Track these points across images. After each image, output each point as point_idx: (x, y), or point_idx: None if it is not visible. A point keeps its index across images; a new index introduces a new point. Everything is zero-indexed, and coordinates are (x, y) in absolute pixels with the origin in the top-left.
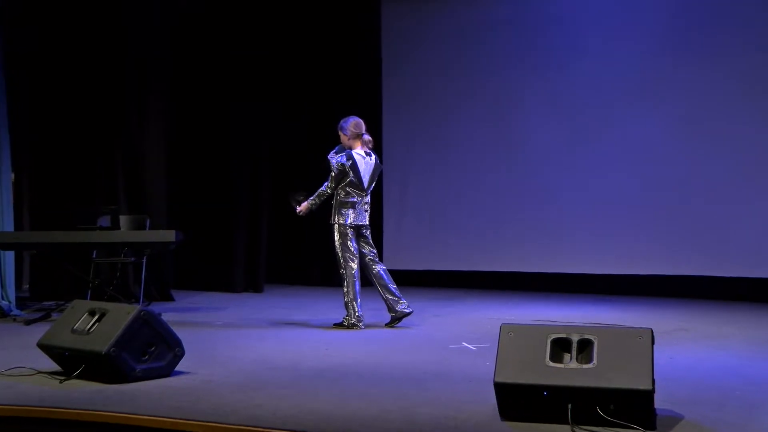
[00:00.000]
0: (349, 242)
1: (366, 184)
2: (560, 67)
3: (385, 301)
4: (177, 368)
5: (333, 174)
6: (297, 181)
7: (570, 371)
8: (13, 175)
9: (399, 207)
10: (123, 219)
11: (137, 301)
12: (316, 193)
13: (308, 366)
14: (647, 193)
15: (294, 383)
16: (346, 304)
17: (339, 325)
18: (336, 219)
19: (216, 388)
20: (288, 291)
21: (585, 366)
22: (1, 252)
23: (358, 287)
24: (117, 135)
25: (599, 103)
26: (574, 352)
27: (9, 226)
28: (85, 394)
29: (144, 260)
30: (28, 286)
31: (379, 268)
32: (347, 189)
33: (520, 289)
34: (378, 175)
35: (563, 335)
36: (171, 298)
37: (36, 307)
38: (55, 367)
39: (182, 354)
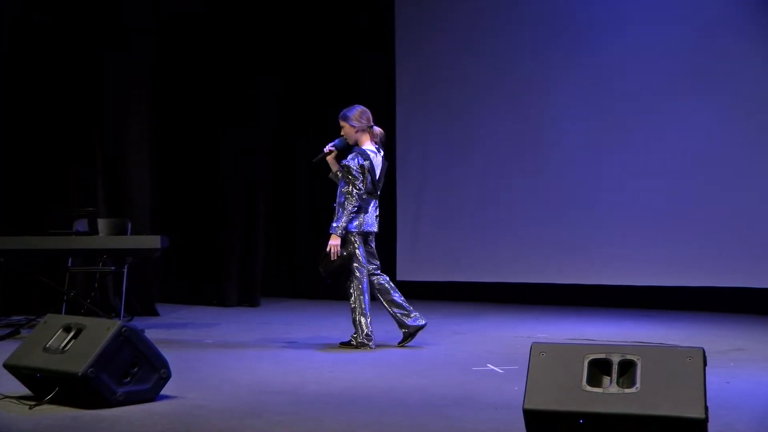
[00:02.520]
0: (357, 251)
1: (380, 186)
2: (591, 54)
3: (393, 316)
4: (162, 392)
5: (358, 179)
6: (297, 181)
7: (610, 396)
8: None
9: (414, 212)
10: (102, 223)
11: (118, 316)
12: (348, 212)
13: (310, 390)
14: (695, 196)
15: (294, 409)
16: (354, 320)
17: (346, 345)
18: (331, 227)
19: (206, 415)
20: (287, 305)
21: (627, 391)
22: None
23: (367, 301)
24: (95, 128)
25: (637, 95)
26: (614, 375)
27: None
28: (59, 422)
29: (125, 269)
30: None
31: (382, 279)
32: (359, 192)
33: (551, 304)
34: (385, 174)
35: (602, 355)
36: (156, 313)
37: (3, 322)
38: (25, 391)
39: (168, 376)
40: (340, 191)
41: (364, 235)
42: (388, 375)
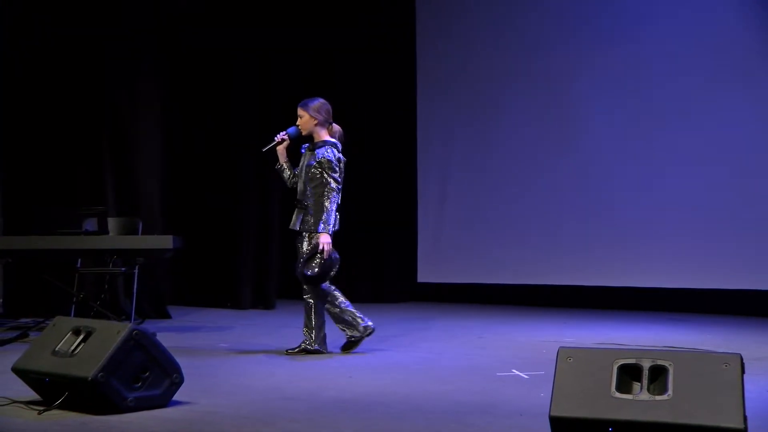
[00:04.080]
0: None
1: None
2: (623, 41)
3: (341, 322)
4: (174, 397)
5: (337, 172)
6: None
7: (640, 404)
8: None
9: (436, 211)
10: (111, 222)
11: (128, 319)
12: (331, 211)
13: (327, 396)
14: (730, 195)
15: (310, 416)
16: (308, 324)
17: (297, 351)
18: (314, 227)
19: (220, 421)
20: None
21: (659, 398)
22: None
23: (324, 305)
24: (104, 123)
25: (673, 84)
26: (645, 381)
27: None
28: (68, 428)
29: (136, 270)
30: (1, 300)
31: (332, 286)
32: (328, 189)
33: (578, 307)
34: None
35: (632, 361)
36: (167, 316)
37: (11, 324)
38: (34, 396)
39: (181, 381)
40: (312, 188)
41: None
42: (408, 381)
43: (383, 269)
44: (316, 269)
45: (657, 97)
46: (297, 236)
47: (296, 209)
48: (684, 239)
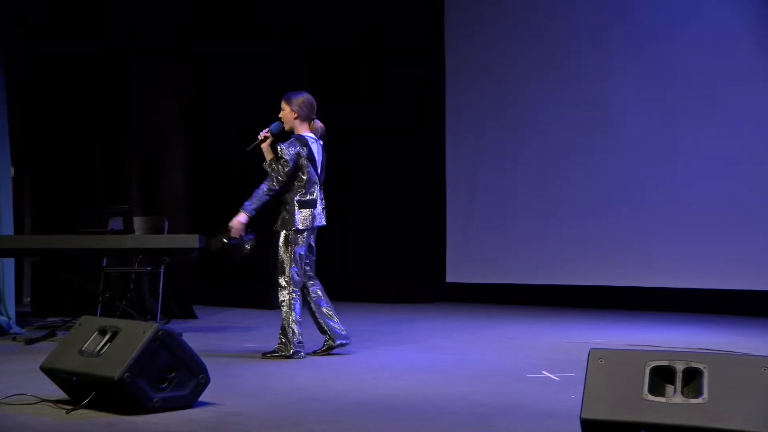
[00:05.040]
0: (297, 252)
1: (322, 177)
2: (652, 39)
3: (322, 325)
4: (200, 398)
5: (285, 167)
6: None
7: (674, 407)
8: (12, 169)
9: (465, 209)
10: (137, 221)
11: (154, 319)
12: (257, 197)
13: (353, 398)
14: (765, 194)
15: (335, 417)
16: (284, 327)
17: (273, 355)
18: (297, 223)
19: (245, 422)
20: None
21: (693, 401)
22: (0, 260)
23: (299, 307)
24: (127, 121)
25: (702, 82)
26: (678, 384)
27: (8, 229)
28: (95, 427)
29: (161, 270)
30: (29, 299)
31: (317, 287)
32: (302, 183)
33: (609, 308)
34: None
35: (665, 363)
36: (193, 316)
37: (39, 323)
38: (61, 395)
39: (207, 382)
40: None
41: (314, 231)
42: (435, 382)
43: (411, 269)
44: (214, 245)
45: (687, 95)
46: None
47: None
48: (717, 238)
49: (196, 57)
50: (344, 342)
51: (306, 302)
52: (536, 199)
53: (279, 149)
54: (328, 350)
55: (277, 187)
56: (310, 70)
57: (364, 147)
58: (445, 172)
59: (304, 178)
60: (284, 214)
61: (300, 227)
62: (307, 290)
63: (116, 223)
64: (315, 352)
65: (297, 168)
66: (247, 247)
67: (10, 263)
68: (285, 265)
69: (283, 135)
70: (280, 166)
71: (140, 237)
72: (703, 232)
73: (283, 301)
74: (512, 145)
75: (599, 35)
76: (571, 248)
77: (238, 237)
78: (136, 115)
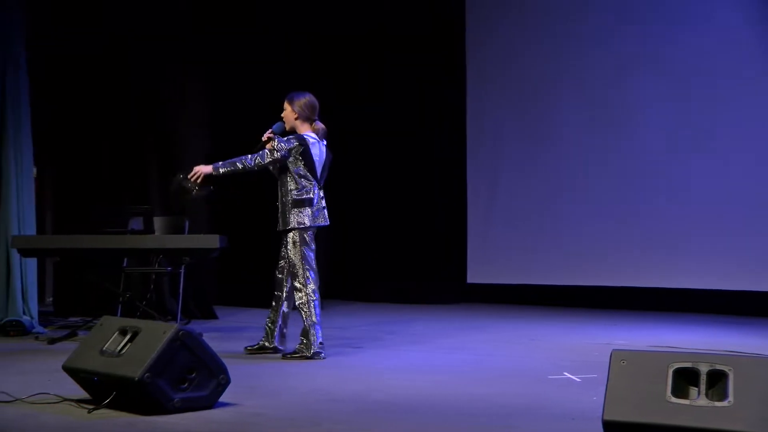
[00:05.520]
0: (309, 251)
1: (320, 175)
2: (674, 38)
3: (276, 329)
4: (221, 399)
5: (274, 156)
6: (356, 180)
7: (698, 410)
8: (35, 170)
9: (486, 210)
10: (157, 221)
11: (174, 319)
12: (232, 161)
13: (373, 399)
14: None
15: (355, 418)
16: (305, 330)
17: (293, 356)
18: (292, 222)
19: (266, 423)
20: (348, 309)
21: (718, 404)
22: (23, 260)
23: (319, 309)
24: (149, 121)
25: (727, 81)
26: (702, 386)
27: (31, 229)
28: (117, 427)
29: (182, 270)
30: (51, 299)
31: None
32: (298, 181)
33: (631, 308)
34: (329, 166)
35: (689, 365)
36: (214, 316)
37: (60, 323)
38: (83, 394)
39: (227, 382)
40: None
41: (316, 231)
42: (456, 383)
43: (432, 270)
44: (180, 181)
45: (707, 95)
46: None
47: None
48: (743, 238)
49: (217, 59)
50: (280, 349)
51: (276, 296)
52: (556, 200)
53: (275, 141)
54: (260, 350)
55: (252, 164)
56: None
57: (385, 148)
58: (465, 173)
59: (298, 176)
60: (285, 213)
61: (307, 224)
62: (285, 287)
63: (137, 223)
64: (248, 348)
65: (287, 164)
66: (195, 192)
67: (32, 263)
68: (298, 267)
69: (286, 134)
70: (267, 152)
71: (161, 237)
72: (729, 232)
73: (302, 302)
74: (532, 146)
75: (618, 36)
76: (592, 249)
77: (193, 182)
78: (158, 116)
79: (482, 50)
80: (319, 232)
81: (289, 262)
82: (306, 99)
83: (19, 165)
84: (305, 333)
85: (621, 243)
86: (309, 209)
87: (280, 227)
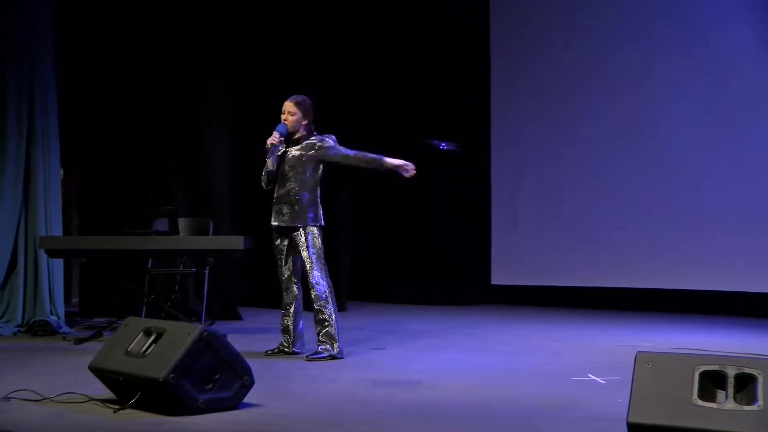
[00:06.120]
0: (322, 248)
1: None
2: (700, 37)
3: (296, 334)
4: (245, 400)
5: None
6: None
7: (726, 413)
8: (62, 171)
9: (510, 212)
10: (182, 222)
11: (198, 320)
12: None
13: (398, 400)
14: None
15: (380, 420)
16: (329, 333)
17: (317, 357)
18: (317, 220)
19: (290, 424)
20: (375, 309)
21: (747, 408)
22: (50, 261)
23: (335, 307)
24: (173, 122)
25: (754, 80)
26: (730, 390)
27: (57, 230)
28: (142, 427)
29: (206, 271)
30: (77, 300)
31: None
32: (318, 181)
33: (656, 310)
34: None
35: (716, 367)
36: (238, 317)
37: (86, 323)
38: (109, 394)
39: (251, 383)
40: (302, 180)
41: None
42: (481, 385)
43: (456, 271)
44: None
45: (731, 95)
46: (286, 233)
47: (285, 205)
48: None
49: (242, 59)
50: (298, 352)
51: (292, 298)
52: (580, 201)
53: (328, 139)
54: (280, 353)
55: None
56: (368, 68)
57: (410, 148)
58: (489, 175)
59: (320, 176)
60: (304, 210)
61: (323, 224)
62: (296, 288)
63: (161, 224)
64: (268, 352)
65: (321, 163)
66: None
67: (59, 264)
68: (320, 262)
69: (288, 137)
70: (339, 150)
71: (185, 238)
72: (758, 233)
73: (324, 300)
74: (555, 147)
75: (642, 37)
76: (616, 250)
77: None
78: (183, 117)
79: (506, 53)
80: (344, 233)
81: (309, 260)
82: (311, 103)
83: (47, 167)
84: (328, 333)
85: (647, 244)
86: (321, 208)
87: (296, 223)
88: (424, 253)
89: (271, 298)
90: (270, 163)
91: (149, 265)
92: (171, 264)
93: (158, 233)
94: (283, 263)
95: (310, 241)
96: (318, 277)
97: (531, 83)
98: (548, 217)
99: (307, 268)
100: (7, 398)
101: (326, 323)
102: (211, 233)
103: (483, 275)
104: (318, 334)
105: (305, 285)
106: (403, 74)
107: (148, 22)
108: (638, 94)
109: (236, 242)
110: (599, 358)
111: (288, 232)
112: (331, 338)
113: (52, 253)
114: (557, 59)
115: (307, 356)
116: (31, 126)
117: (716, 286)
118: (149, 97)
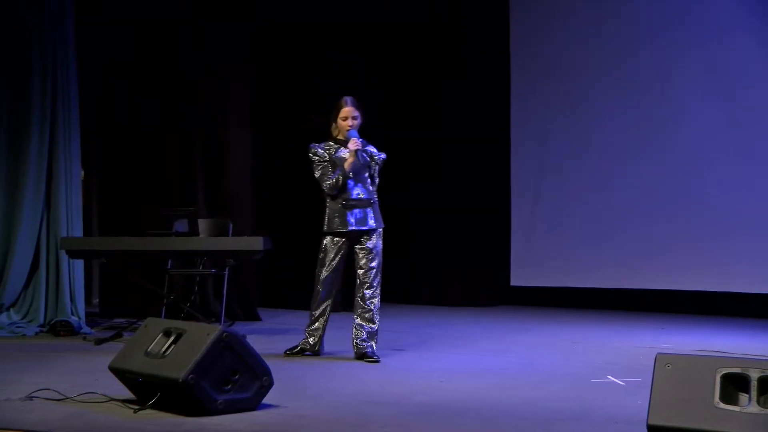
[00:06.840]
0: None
1: None
2: (715, 42)
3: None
4: (264, 400)
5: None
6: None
7: (748, 417)
8: (83, 172)
9: (530, 212)
10: (202, 223)
11: (218, 321)
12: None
13: (417, 401)
14: None
15: (399, 421)
16: (375, 332)
17: (372, 360)
18: (380, 221)
19: (309, 425)
20: (395, 310)
21: None
22: (71, 261)
23: None
24: (194, 123)
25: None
26: (753, 393)
27: (78, 231)
28: (162, 427)
29: (226, 272)
30: (97, 300)
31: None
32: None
33: (676, 312)
34: None
35: (738, 370)
36: (257, 318)
37: (106, 324)
38: (129, 394)
39: (270, 384)
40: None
41: None
42: (500, 386)
43: (475, 272)
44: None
45: (752, 95)
46: (356, 236)
47: (357, 208)
48: None
49: (264, 60)
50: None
51: (330, 300)
52: (600, 202)
53: (371, 153)
54: (301, 352)
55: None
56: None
57: (430, 151)
58: (510, 176)
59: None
60: (376, 212)
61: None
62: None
63: (181, 225)
64: (287, 352)
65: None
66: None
67: (79, 264)
68: (380, 267)
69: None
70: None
71: (205, 239)
72: None
73: (376, 306)
74: (576, 148)
75: (663, 38)
76: (636, 251)
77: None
78: (203, 117)
79: (526, 54)
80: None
81: (377, 261)
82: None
83: (68, 167)
84: (374, 336)
85: (667, 245)
86: None
87: (376, 225)
88: (444, 255)
89: (291, 298)
90: (348, 168)
91: (169, 266)
92: (191, 265)
93: (178, 234)
94: (334, 266)
95: (379, 242)
96: (380, 279)
97: (551, 86)
98: (568, 218)
99: (375, 269)
100: (30, 397)
101: (375, 323)
102: (230, 234)
103: (502, 276)
104: (369, 333)
105: (349, 285)
106: (421, 74)
107: (166, 21)
108: (659, 95)
109: (256, 243)
110: (618, 359)
111: (359, 235)
112: (375, 341)
113: (72, 254)
114: (577, 63)
115: (370, 359)
116: (53, 127)
117: (736, 287)
118: (171, 98)
